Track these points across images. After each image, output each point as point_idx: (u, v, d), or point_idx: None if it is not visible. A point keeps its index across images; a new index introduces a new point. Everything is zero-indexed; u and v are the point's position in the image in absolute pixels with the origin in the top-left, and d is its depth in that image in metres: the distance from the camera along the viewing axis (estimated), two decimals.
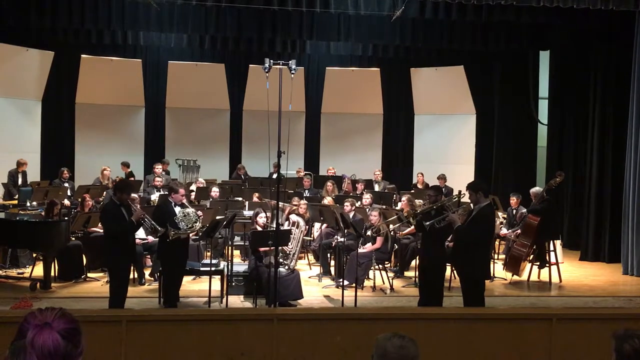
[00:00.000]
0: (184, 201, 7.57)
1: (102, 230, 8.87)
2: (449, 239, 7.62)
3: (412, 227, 8.01)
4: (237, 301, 7.74)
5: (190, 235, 7.65)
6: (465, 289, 6.50)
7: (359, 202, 10.29)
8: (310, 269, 9.86)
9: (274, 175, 13.30)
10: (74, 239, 8.81)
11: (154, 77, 15.24)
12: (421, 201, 10.27)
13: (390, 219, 8.71)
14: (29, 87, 14.11)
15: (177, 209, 7.29)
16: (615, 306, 8.01)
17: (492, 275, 8.66)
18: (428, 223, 6.65)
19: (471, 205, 6.70)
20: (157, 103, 15.27)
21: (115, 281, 6.77)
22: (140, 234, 8.63)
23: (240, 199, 11.17)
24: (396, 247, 9.36)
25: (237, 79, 15.32)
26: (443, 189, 12.30)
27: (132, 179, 12.51)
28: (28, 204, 10.86)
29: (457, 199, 7.27)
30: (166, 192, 10.62)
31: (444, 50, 13.71)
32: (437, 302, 6.84)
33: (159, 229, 6.99)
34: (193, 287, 8.35)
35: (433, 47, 13.52)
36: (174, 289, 7.30)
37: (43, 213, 9.29)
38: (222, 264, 8.17)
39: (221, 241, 9.60)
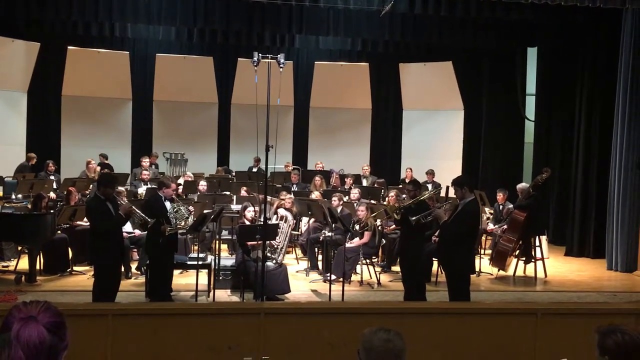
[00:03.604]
0: (173, 196, 7.54)
1: (86, 224, 8.84)
2: (435, 234, 7.66)
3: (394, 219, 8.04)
4: (224, 295, 7.73)
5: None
6: (450, 284, 6.55)
7: (347, 197, 10.31)
8: (298, 263, 9.86)
9: (254, 169, 13.38)
10: (59, 232, 8.75)
11: (142, 69, 15.14)
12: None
13: (376, 213, 8.74)
14: (15, 79, 13.97)
15: (167, 204, 7.25)
16: (599, 301, 8.09)
17: (477, 270, 8.72)
18: (414, 218, 6.69)
19: (457, 200, 6.74)
20: (144, 96, 15.17)
21: (102, 278, 6.61)
22: (127, 227, 8.58)
23: (228, 192, 11.14)
24: (384, 241, 9.39)
25: (226, 72, 15.26)
26: (430, 184, 12.40)
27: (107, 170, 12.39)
28: (13, 196, 10.76)
29: (435, 192, 7.35)
30: (153, 186, 10.61)
31: (433, 45, 13.74)
32: (420, 295, 6.88)
33: (149, 220, 6.92)
34: (180, 281, 8.32)
35: (422, 43, 13.55)
36: (164, 283, 7.27)
37: (29, 206, 9.21)
38: (210, 258, 8.15)
39: (209, 235, 9.57)
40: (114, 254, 6.65)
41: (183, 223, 7.23)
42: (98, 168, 12.29)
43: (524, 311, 5.07)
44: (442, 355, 4.64)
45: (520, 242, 9.15)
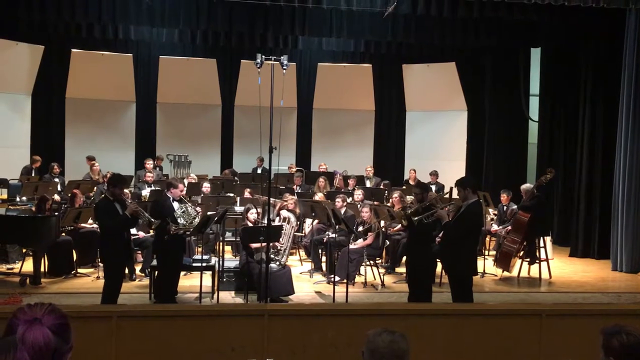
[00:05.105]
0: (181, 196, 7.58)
1: (90, 226, 8.88)
2: (439, 235, 7.65)
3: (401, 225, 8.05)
4: (228, 297, 7.74)
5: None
6: (453, 285, 6.53)
7: (351, 198, 10.30)
8: (302, 264, 9.86)
9: (259, 170, 13.38)
10: (64, 234, 8.77)
11: (145, 72, 15.18)
12: (412, 197, 10.29)
13: (382, 217, 8.73)
14: (19, 82, 14.02)
15: (175, 205, 7.28)
16: (604, 302, 8.08)
17: (480, 271, 8.71)
18: (416, 218, 6.68)
19: (461, 201, 6.73)
20: (148, 98, 15.21)
21: (109, 277, 6.69)
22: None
23: (231, 194, 11.15)
24: (387, 243, 9.39)
25: (229, 74, 15.29)
26: (434, 185, 12.39)
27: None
28: (18, 199, 10.79)
29: (447, 195, 7.29)
30: (157, 188, 10.64)
31: (436, 46, 13.73)
32: (426, 297, 6.87)
33: (153, 221, 6.95)
34: (184, 282, 8.32)
35: (425, 44, 13.54)
36: (171, 284, 7.29)
37: (33, 208, 9.23)
38: (213, 260, 8.16)
39: (212, 237, 9.58)
40: (120, 255, 6.71)
41: (191, 223, 7.25)
42: (97, 169, 12.31)
43: (529, 312, 5.06)
44: (446, 357, 4.63)
45: (525, 243, 9.13)
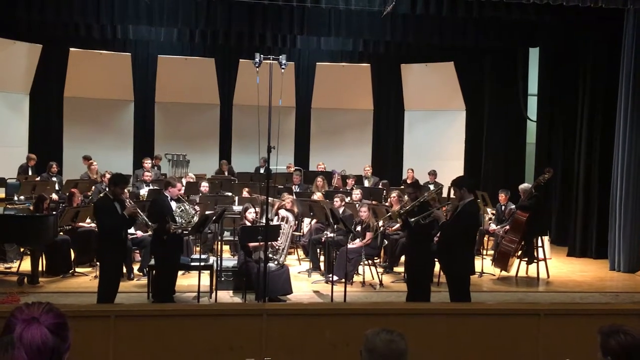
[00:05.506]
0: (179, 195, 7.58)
1: (88, 225, 8.87)
2: (437, 235, 7.66)
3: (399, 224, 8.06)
4: (226, 296, 7.73)
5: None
6: (451, 285, 6.54)
7: (349, 198, 10.30)
8: (300, 264, 9.86)
9: (262, 170, 13.38)
10: (62, 233, 8.76)
11: (144, 71, 15.15)
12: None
13: (381, 217, 8.73)
14: (17, 81, 14.00)
15: (173, 204, 7.28)
16: (601, 302, 8.09)
17: (478, 270, 8.70)
18: (413, 220, 6.68)
19: (457, 201, 6.73)
20: (146, 97, 15.19)
21: (105, 277, 6.68)
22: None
23: (229, 194, 11.14)
24: (385, 242, 9.39)
25: (227, 73, 15.27)
26: (432, 185, 12.39)
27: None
28: (15, 198, 10.78)
29: (436, 192, 7.33)
30: (155, 187, 10.63)
31: (435, 46, 13.74)
32: (425, 297, 6.88)
33: (150, 224, 6.96)
34: (182, 282, 8.32)
35: (423, 43, 13.55)
36: (169, 284, 7.29)
37: (31, 207, 9.22)
38: (212, 259, 8.15)
39: (210, 236, 9.58)
40: (117, 255, 6.72)
41: (189, 222, 7.24)
42: (95, 168, 12.31)
43: (527, 312, 5.07)
44: (444, 356, 4.64)
45: (523, 243, 9.14)
